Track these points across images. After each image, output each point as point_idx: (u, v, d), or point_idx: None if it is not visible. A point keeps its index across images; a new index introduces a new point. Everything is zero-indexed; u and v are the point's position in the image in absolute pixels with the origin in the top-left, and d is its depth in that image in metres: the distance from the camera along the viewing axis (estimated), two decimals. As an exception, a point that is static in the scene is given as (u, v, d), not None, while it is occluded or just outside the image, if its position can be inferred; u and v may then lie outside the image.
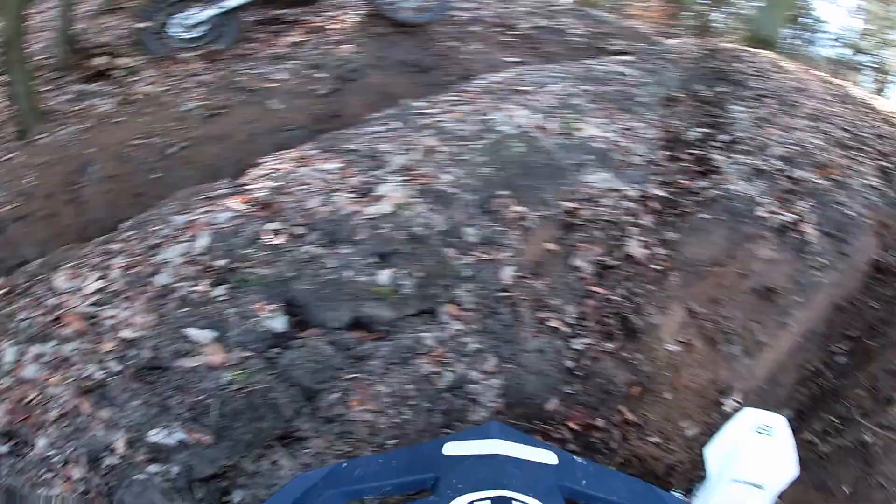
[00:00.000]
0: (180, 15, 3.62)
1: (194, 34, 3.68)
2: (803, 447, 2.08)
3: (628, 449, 2.04)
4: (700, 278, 2.50)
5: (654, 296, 2.37)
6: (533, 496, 0.62)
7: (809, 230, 2.72)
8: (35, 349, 1.79)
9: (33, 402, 1.66)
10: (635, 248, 2.44)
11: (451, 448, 0.71)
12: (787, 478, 1.53)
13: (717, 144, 3.17)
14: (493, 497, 0.61)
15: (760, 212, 2.69)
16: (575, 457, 0.75)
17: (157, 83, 3.42)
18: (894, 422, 2.28)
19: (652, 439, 2.12)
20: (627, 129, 3.00)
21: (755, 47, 5.92)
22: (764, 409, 2.20)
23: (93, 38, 3.93)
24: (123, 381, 1.62)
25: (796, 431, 2.02)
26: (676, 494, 1.09)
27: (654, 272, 2.44)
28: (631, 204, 2.58)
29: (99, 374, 1.64)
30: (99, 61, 3.64)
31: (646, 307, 2.31)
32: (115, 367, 1.65)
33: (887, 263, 3.08)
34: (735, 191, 2.78)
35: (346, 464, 0.74)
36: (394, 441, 1.63)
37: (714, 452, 1.63)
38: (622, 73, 3.62)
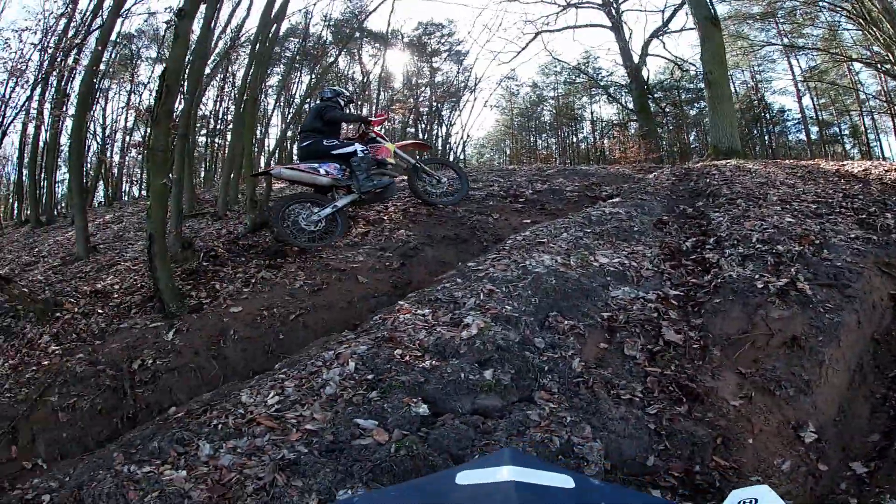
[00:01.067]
0: (304, 213, 5.67)
1: (316, 227, 5.74)
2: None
3: (734, 486, 3.04)
4: (735, 346, 3.76)
5: (703, 366, 3.59)
6: None
7: (805, 286, 4.08)
8: (230, 443, 2.85)
9: (231, 481, 2.65)
10: (671, 334, 3.74)
11: (465, 477, 0.83)
12: None
13: (710, 246, 4.67)
14: None
15: (759, 284, 4.08)
16: (592, 479, 0.88)
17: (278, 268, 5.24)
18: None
19: (753, 477, 3.14)
20: (633, 253, 4.50)
21: (722, 159, 7.99)
22: (846, 435, 3.31)
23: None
24: (312, 457, 2.67)
25: (884, 451, 3.07)
26: None
27: (694, 350, 3.70)
28: (655, 304, 3.94)
29: (290, 455, 2.70)
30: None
31: (699, 376, 3.52)
32: (303, 449, 2.71)
33: None
34: (733, 276, 4.19)
35: (357, 498, 0.89)
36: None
37: None
38: (616, 213, 5.28)
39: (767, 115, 23.25)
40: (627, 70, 20.16)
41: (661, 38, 19.88)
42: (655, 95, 21.95)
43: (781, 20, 20.26)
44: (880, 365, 3.97)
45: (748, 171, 6.75)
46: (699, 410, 3.33)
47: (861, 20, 15.46)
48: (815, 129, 22.08)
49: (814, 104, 23.07)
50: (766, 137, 22.80)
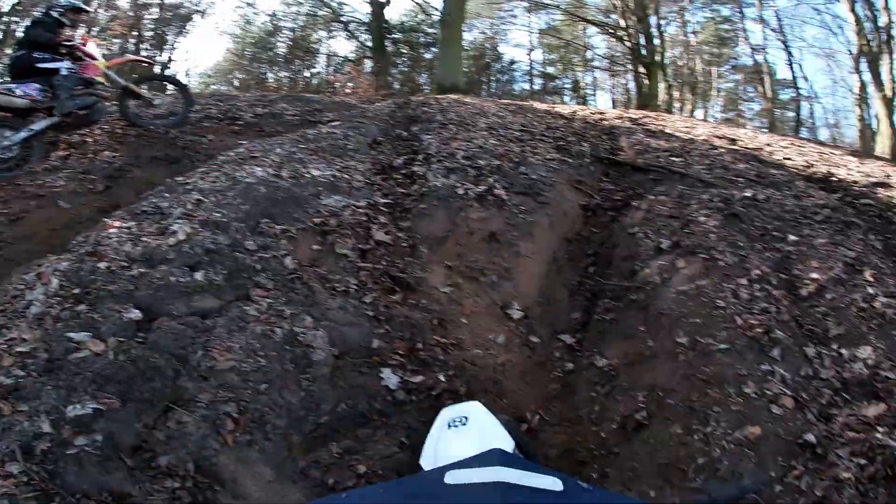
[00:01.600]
0: None
1: (8, 154, 5.46)
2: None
3: (458, 359, 3.74)
4: (440, 243, 4.56)
5: (413, 262, 4.31)
6: None
7: (502, 193, 5.05)
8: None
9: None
10: (381, 235, 4.40)
11: (453, 476, 0.91)
12: (506, 449, 2.17)
13: (419, 162, 5.46)
14: None
15: (460, 191, 4.94)
16: (581, 482, 0.95)
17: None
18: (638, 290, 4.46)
19: (473, 351, 3.90)
20: (345, 167, 5.08)
21: (444, 94, 9.01)
22: (549, 316, 4.22)
23: None
24: (31, 379, 2.74)
25: (585, 325, 4.01)
26: None
27: (403, 248, 4.40)
28: (365, 210, 4.56)
29: (8, 381, 2.74)
30: None
31: (409, 269, 4.22)
32: (20, 372, 2.77)
33: (592, 205, 5.61)
34: (437, 185, 5.00)
35: (345, 495, 0.95)
36: (265, 385, 3.06)
37: (425, 461, 2.34)
38: (333, 132, 5.82)
39: (498, 65, 26.18)
40: (373, 7, 20.96)
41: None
42: (394, 36, 23.17)
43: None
44: (574, 259, 5.16)
45: (464, 103, 7.80)
46: (413, 298, 4.07)
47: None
48: (540, 80, 25.66)
49: (543, 58, 26.84)
50: (493, 85, 25.68)
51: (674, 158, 6.87)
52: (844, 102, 21.97)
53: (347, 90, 15.13)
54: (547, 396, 3.93)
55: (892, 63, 15.88)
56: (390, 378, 3.43)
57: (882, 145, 14.26)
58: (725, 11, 24.70)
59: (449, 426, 2.43)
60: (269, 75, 24.43)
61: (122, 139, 6.09)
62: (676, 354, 3.75)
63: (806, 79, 30.96)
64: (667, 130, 8.59)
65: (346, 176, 4.92)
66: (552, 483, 0.91)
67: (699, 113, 23.85)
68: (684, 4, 22.78)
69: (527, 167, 5.70)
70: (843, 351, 3.94)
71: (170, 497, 2.54)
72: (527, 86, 25.40)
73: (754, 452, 3.14)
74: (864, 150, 13.32)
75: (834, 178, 7.91)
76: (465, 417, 2.46)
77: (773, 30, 22.54)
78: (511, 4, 24.89)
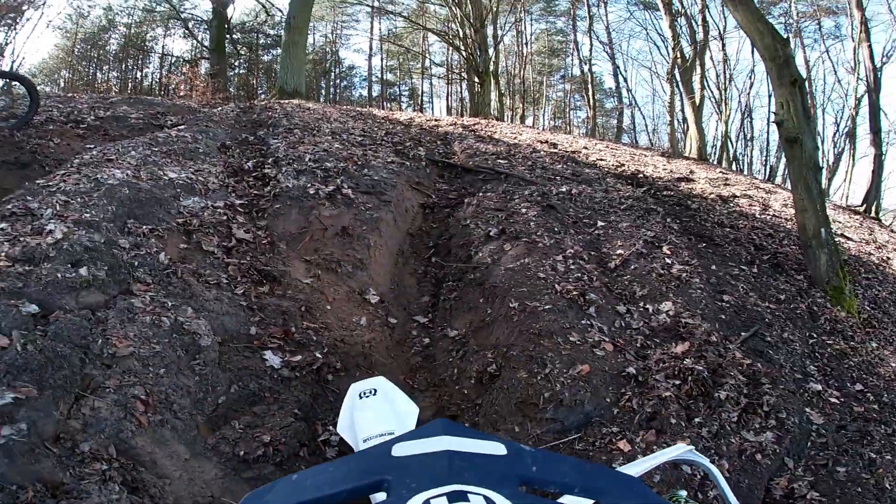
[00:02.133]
0: None
1: None
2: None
3: (329, 339, 4.29)
4: (297, 240, 5.11)
5: (274, 257, 4.84)
6: (487, 487, 0.83)
7: (349, 192, 5.68)
8: None
9: None
10: (242, 233, 4.88)
11: (400, 449, 0.96)
12: (413, 417, 2.56)
13: (269, 165, 5.97)
14: (449, 492, 0.81)
15: (311, 191, 5.52)
16: (523, 446, 1.01)
17: None
18: (474, 270, 5.28)
19: (340, 332, 4.47)
20: (199, 170, 5.48)
21: (286, 98, 9.48)
22: (402, 300, 4.94)
23: None
24: None
25: (434, 306, 4.74)
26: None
27: (263, 244, 4.91)
28: (224, 210, 5.02)
29: None
30: None
31: (272, 264, 4.74)
32: None
33: (430, 203, 6.39)
34: (289, 186, 5.55)
35: (296, 476, 0.98)
36: (163, 369, 3.46)
37: (343, 430, 2.64)
38: (182, 136, 6.15)
39: (337, 70, 26.72)
40: (214, 5, 20.38)
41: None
42: (234, 36, 22.74)
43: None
44: (417, 251, 5.95)
45: (308, 108, 8.34)
46: (280, 289, 4.61)
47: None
48: (378, 87, 26.54)
49: (382, 65, 27.74)
50: (333, 90, 26.25)
51: (500, 161, 7.86)
52: (663, 110, 24.78)
53: (181, 92, 14.99)
54: (412, 367, 4.66)
55: (702, 74, 18.42)
56: (273, 359, 3.93)
57: (690, 147, 16.50)
58: (560, 24, 27.19)
59: (360, 396, 2.75)
60: (99, 75, 23.15)
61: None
62: (511, 317, 4.62)
63: (629, 90, 34.59)
64: (495, 136, 9.67)
65: (201, 178, 5.31)
66: (495, 448, 0.97)
67: (530, 120, 25.96)
68: (521, 16, 24.77)
69: (370, 169, 6.39)
70: (649, 307, 5.08)
71: (101, 479, 2.76)
72: (365, 92, 26.17)
73: (588, 385, 4.03)
74: (674, 151, 15.35)
75: (641, 175, 9.35)
76: (375, 389, 2.78)
77: (601, 42, 25.21)
78: (354, 8, 25.50)
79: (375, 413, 2.69)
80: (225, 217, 4.97)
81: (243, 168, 5.93)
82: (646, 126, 28.35)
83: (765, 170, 24.84)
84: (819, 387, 4.98)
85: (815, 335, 5.83)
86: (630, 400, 4.05)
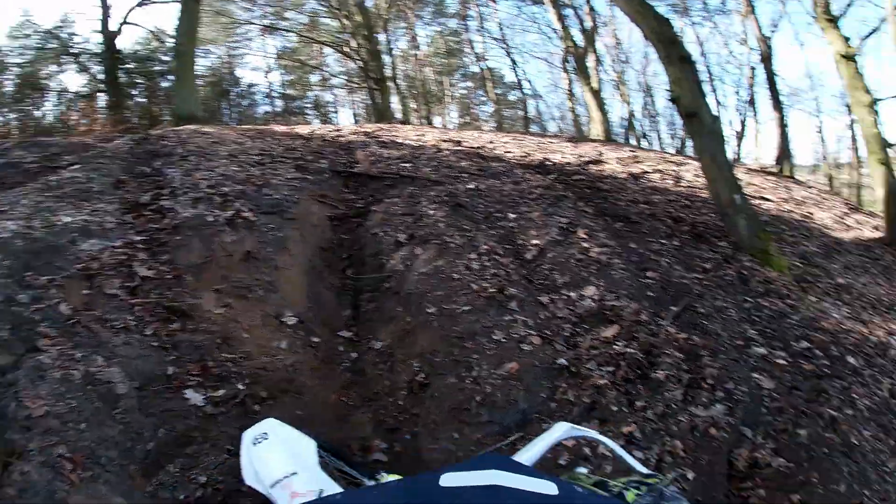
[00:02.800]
0: None
1: None
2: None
3: (250, 368, 4.34)
4: (203, 270, 5.18)
5: (182, 291, 4.90)
6: None
7: (249, 215, 5.80)
8: None
9: None
10: (144, 271, 4.94)
11: (449, 479, 0.97)
12: (312, 452, 2.48)
13: (165, 196, 6.01)
14: None
15: (210, 219, 5.61)
16: (577, 487, 1.04)
17: None
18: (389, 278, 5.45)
19: (261, 359, 4.54)
20: (95, 210, 5.48)
21: (183, 125, 9.46)
22: (323, 315, 5.08)
23: None
24: None
25: (356, 318, 4.96)
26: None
27: (168, 279, 4.98)
28: (123, 249, 5.07)
29: None
30: None
31: (180, 298, 4.81)
32: None
33: (338, 214, 6.54)
34: (187, 216, 5.62)
35: (339, 496, 1.03)
36: (83, 424, 3.50)
37: (249, 479, 2.50)
38: (75, 177, 6.11)
39: (237, 89, 26.58)
40: (104, 37, 20.19)
41: (145, 5, 20.62)
42: (128, 66, 22.55)
43: (263, 3, 23.63)
44: (331, 264, 6.07)
45: (203, 133, 8.36)
46: (191, 323, 4.66)
47: (338, 12, 19.69)
48: (281, 102, 26.57)
49: (282, 80, 27.85)
50: (234, 110, 26.13)
51: (404, 164, 8.10)
52: (565, 98, 25.64)
53: (82, 128, 14.70)
54: (342, 384, 4.75)
55: (596, 60, 19.30)
56: (195, 396, 3.98)
57: (595, 130, 17.24)
58: (452, 24, 27.74)
59: (254, 444, 2.61)
60: (-2, 118, 22.35)
61: None
62: (430, 323, 4.85)
63: (529, 81, 35.94)
64: (398, 140, 9.90)
65: (97, 219, 5.31)
66: (547, 487, 0.97)
67: (437, 120, 26.55)
68: (412, 21, 25.24)
69: (270, 188, 6.50)
70: (572, 294, 5.36)
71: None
72: (269, 108, 26.12)
73: (520, 382, 4.26)
74: (580, 135, 16.01)
75: (549, 163, 9.74)
76: (265, 433, 2.64)
77: (495, 39, 25.89)
78: (245, 28, 25.48)
79: (273, 456, 2.60)
80: (125, 256, 4.99)
81: (140, 202, 5.93)
82: (552, 115, 29.43)
83: (674, 142, 26.11)
84: (763, 350, 5.31)
85: (749, 299, 6.20)
86: (566, 392, 4.30)
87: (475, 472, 0.98)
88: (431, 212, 6.37)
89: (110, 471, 3.33)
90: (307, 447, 2.63)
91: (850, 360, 5.56)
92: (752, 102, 23.08)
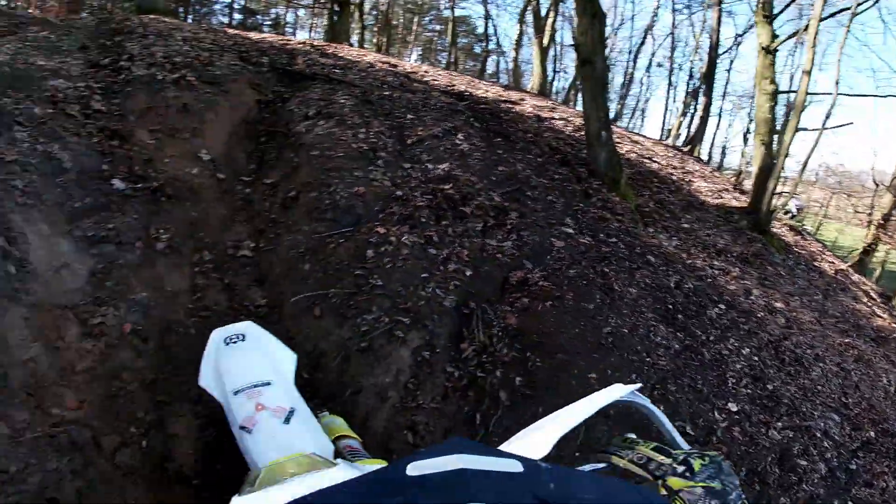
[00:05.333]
0: None
1: None
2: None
3: (167, 175, 6.30)
4: (145, 114, 7.05)
5: (125, 124, 6.78)
6: None
7: (192, 79, 7.64)
8: None
9: None
10: (98, 105, 6.79)
11: (415, 468, 1.00)
12: (290, 364, 2.70)
13: (123, 60, 7.81)
14: None
15: (158, 77, 7.44)
16: (540, 463, 1.05)
17: None
18: (292, 137, 7.38)
19: (174, 172, 6.49)
20: (64, 62, 7.29)
21: (143, 14, 11.19)
22: (233, 165, 7.14)
23: None
24: None
25: (259, 170, 6.92)
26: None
27: (115, 115, 6.84)
28: (84, 90, 6.91)
29: None
30: None
31: (124, 127, 6.69)
32: None
33: (265, 99, 8.41)
34: (140, 74, 7.45)
35: (310, 496, 1.05)
36: (36, 177, 5.40)
37: (205, 381, 2.72)
38: (48, 38, 7.90)
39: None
40: None
41: None
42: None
43: None
44: (249, 135, 7.88)
45: (164, 21, 10.09)
46: (127, 145, 6.48)
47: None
48: (240, 15, 28.06)
49: None
50: (192, 17, 27.46)
51: (336, 70, 9.94)
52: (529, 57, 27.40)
53: (35, 11, 16.24)
54: (234, 207, 6.66)
55: (553, 19, 21.29)
56: (119, 184, 5.88)
57: (533, 82, 19.26)
58: None
59: (226, 343, 2.84)
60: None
61: None
62: (312, 162, 6.85)
63: (497, 35, 37.69)
64: (339, 54, 11.70)
65: (64, 68, 7.13)
66: (512, 465, 1.01)
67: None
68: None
69: (213, 67, 8.30)
70: (429, 165, 7.31)
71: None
72: (225, 19, 27.49)
73: (362, 199, 6.33)
74: (517, 85, 17.92)
75: (468, 94, 11.61)
76: (242, 335, 2.87)
77: None
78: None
79: (247, 361, 2.77)
80: (85, 94, 6.83)
81: (100, 64, 7.70)
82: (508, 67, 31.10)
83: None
84: (570, 230, 7.06)
85: (582, 205, 7.99)
86: (393, 208, 6.28)
87: (440, 457, 1.02)
88: (342, 101, 8.29)
89: (45, 207, 5.17)
90: (286, 358, 2.86)
91: (650, 257, 7.50)
92: (695, 93, 25.26)
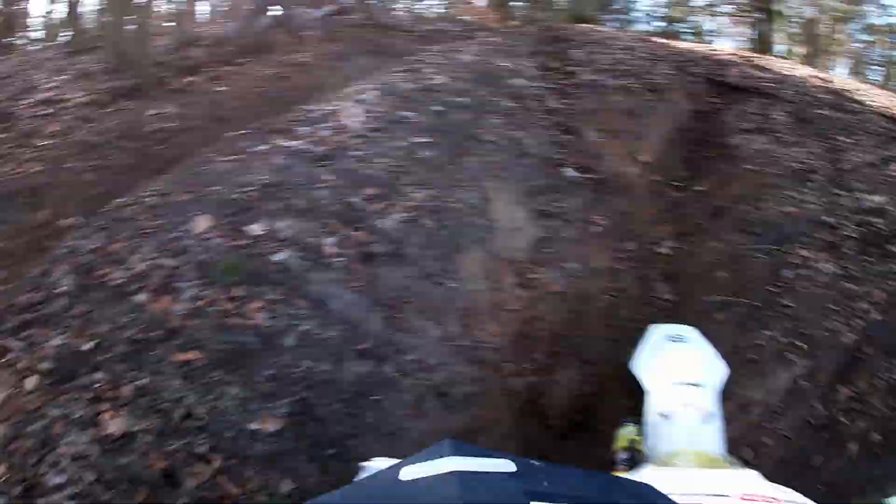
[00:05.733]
0: None
1: None
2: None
3: (608, 170, 6.79)
4: (592, 115, 7.52)
5: (574, 122, 7.31)
6: None
7: (636, 87, 7.94)
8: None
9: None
10: (554, 104, 7.38)
11: (408, 472, 1.00)
12: (722, 375, 2.71)
13: (570, 65, 8.37)
14: None
15: (610, 84, 7.86)
16: (531, 460, 1.05)
17: None
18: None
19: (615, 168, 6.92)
20: (519, 64, 8.04)
21: (574, 23, 11.92)
22: (667, 167, 7.53)
23: None
24: None
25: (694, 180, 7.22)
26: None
27: (568, 114, 7.37)
28: (540, 89, 7.54)
29: None
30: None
31: (572, 124, 7.20)
32: None
33: (698, 109, 8.50)
34: (588, 80, 7.95)
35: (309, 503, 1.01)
36: None
37: (643, 366, 2.85)
38: (500, 42, 8.81)
39: (619, 2, 28.68)
40: None
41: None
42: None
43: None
44: (682, 142, 7.98)
45: (597, 31, 10.67)
46: (576, 141, 7.05)
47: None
48: (661, 23, 28.09)
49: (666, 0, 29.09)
50: (612, 23, 28.10)
51: (770, 84, 9.58)
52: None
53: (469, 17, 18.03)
54: (662, 209, 6.85)
55: None
56: (570, 172, 6.45)
57: None
58: None
59: (670, 339, 3.04)
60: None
61: None
62: (746, 175, 6.83)
63: None
64: (770, 67, 11.21)
65: (521, 69, 7.96)
66: (504, 465, 1.01)
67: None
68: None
69: (652, 75, 8.51)
70: (862, 195, 6.73)
71: None
72: (646, 27, 27.72)
73: (791, 219, 6.21)
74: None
75: None
76: (684, 336, 3.06)
77: None
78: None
79: (685, 360, 2.95)
80: (540, 93, 7.53)
81: (550, 67, 8.42)
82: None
83: None
84: None
85: None
86: (818, 234, 6.07)
87: (432, 461, 1.01)
88: (777, 116, 8.06)
89: (511, 183, 6.13)
90: (719, 369, 3.02)
91: None
92: None
